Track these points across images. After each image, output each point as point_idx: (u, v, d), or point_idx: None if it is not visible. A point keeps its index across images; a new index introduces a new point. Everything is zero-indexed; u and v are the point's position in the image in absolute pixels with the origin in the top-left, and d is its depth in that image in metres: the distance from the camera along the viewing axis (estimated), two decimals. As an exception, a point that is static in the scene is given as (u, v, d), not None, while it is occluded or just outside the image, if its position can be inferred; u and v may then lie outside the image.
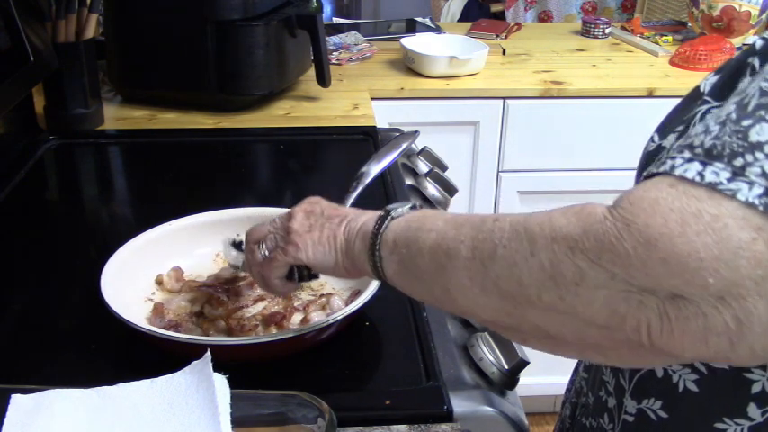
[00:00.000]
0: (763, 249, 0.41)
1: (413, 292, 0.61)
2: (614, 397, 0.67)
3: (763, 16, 1.99)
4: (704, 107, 0.57)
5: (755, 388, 0.57)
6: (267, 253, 0.71)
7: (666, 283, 0.42)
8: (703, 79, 0.60)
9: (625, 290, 0.44)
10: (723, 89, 0.56)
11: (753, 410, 0.58)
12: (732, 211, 0.41)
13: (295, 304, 0.84)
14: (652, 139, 0.64)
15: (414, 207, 0.63)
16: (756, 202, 0.41)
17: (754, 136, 0.43)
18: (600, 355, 0.49)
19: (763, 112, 0.44)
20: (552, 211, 0.48)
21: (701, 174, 0.43)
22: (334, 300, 0.83)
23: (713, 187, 0.42)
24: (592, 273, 0.44)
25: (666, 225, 0.42)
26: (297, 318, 0.82)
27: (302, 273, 0.71)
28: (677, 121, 0.61)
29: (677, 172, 0.44)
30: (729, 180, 0.42)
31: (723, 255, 0.41)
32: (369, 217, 0.65)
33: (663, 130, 0.63)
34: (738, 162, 0.43)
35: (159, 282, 0.89)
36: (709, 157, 0.44)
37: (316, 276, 0.72)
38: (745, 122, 0.44)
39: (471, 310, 0.54)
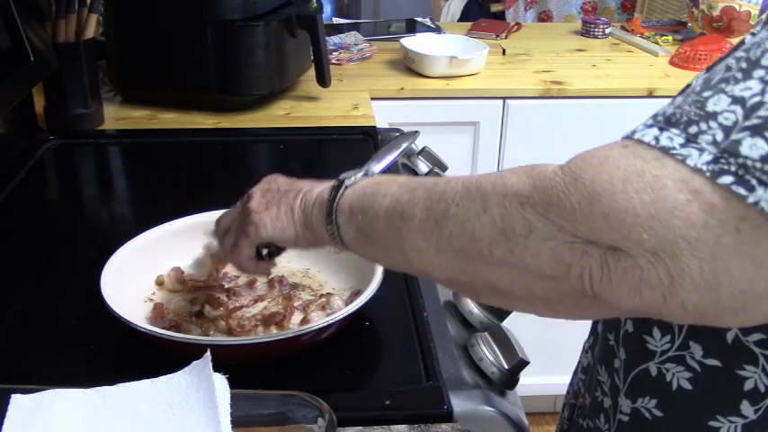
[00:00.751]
0: (697, 211, 0.42)
1: (371, 257, 0.64)
2: (609, 397, 0.68)
3: (763, 16, 1.99)
4: None
5: (748, 385, 0.57)
6: (233, 239, 0.73)
7: (606, 236, 0.44)
8: (695, 77, 0.61)
9: (570, 241, 0.46)
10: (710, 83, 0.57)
11: (746, 408, 0.58)
12: (673, 173, 0.43)
13: (295, 304, 0.84)
14: None
15: (366, 174, 0.64)
16: (704, 168, 0.42)
17: (710, 106, 0.45)
18: (548, 309, 0.51)
19: (723, 85, 0.45)
20: (504, 170, 0.51)
21: (656, 138, 0.45)
22: (334, 300, 0.84)
23: (666, 151, 0.44)
24: (540, 225, 0.46)
25: (610, 181, 0.44)
26: (297, 318, 0.82)
27: (271, 250, 0.73)
28: None
29: (636, 135, 0.46)
30: (682, 146, 0.44)
31: (659, 213, 0.42)
32: (324, 187, 0.66)
33: None
34: (693, 129, 0.44)
35: (160, 282, 0.89)
36: (667, 123, 0.45)
37: (282, 250, 0.74)
38: (706, 93, 0.46)
39: (427, 270, 0.55)
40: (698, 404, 0.60)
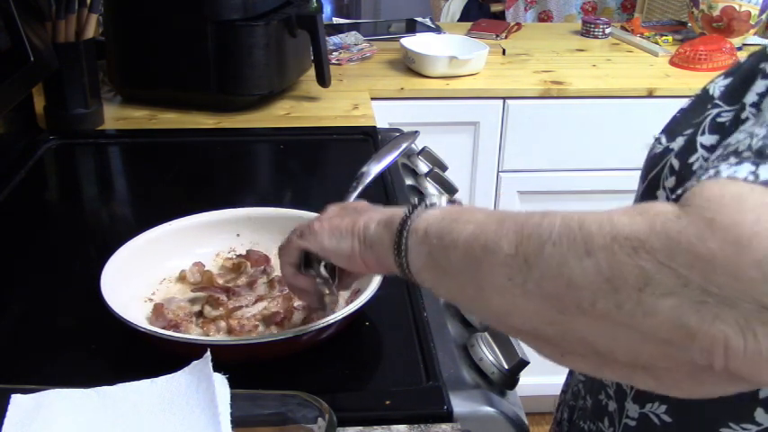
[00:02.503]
0: None
1: (442, 290, 0.55)
2: (615, 401, 0.67)
3: (764, 16, 1.99)
4: (715, 111, 0.56)
5: (763, 393, 0.56)
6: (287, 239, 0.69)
7: (757, 290, 0.36)
8: (711, 82, 0.60)
9: (699, 300, 0.38)
10: (734, 94, 0.55)
11: (760, 415, 0.57)
12: None
13: (295, 304, 0.84)
14: (659, 141, 0.63)
15: (452, 202, 0.58)
16: None
17: None
18: (652, 379, 0.43)
19: None
20: (611, 210, 0.43)
21: (754, 173, 0.39)
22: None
23: None
24: (659, 276, 0.39)
25: (759, 222, 0.37)
26: (297, 317, 0.82)
27: (317, 266, 0.67)
28: (685, 125, 0.60)
29: (725, 174, 0.40)
30: None
31: None
32: (398, 209, 0.59)
33: (670, 132, 0.62)
34: None
35: (183, 277, 0.89)
36: (760, 157, 0.40)
37: (332, 271, 0.68)
38: None
39: (508, 314, 0.47)
40: (710, 411, 0.59)
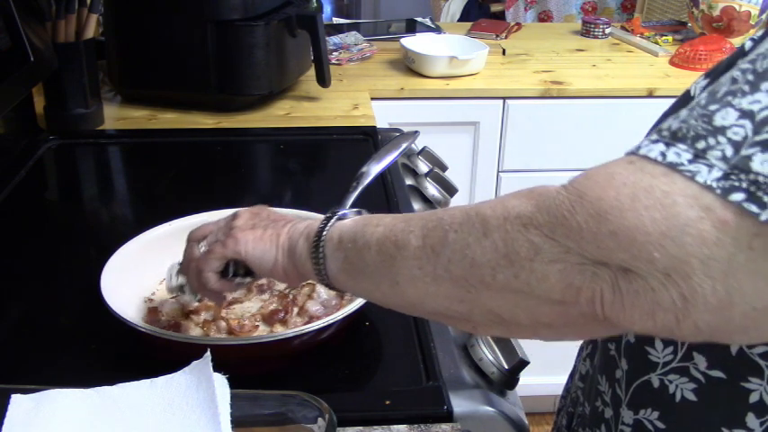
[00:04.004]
0: (709, 229, 0.40)
1: (358, 290, 0.61)
2: (611, 407, 0.67)
3: (764, 16, 1.99)
4: None
5: (753, 397, 0.57)
6: (206, 248, 0.70)
7: (616, 256, 0.42)
8: (693, 83, 0.60)
9: (579, 262, 0.44)
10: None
11: (751, 420, 0.57)
12: (683, 190, 0.41)
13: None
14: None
15: (359, 212, 0.63)
16: (714, 185, 0.41)
17: (718, 120, 0.43)
18: (553, 333, 0.49)
19: (730, 98, 0.44)
20: (503, 196, 0.49)
21: (663, 153, 0.43)
22: (318, 288, 0.84)
23: (673, 167, 0.42)
24: (546, 247, 0.44)
25: (617, 198, 0.42)
26: (295, 311, 0.82)
27: (237, 270, 0.69)
28: None
29: (642, 151, 0.44)
30: (690, 161, 0.42)
31: (670, 231, 0.41)
32: (315, 220, 0.64)
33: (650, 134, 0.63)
34: (701, 144, 0.43)
35: None
36: (673, 138, 0.44)
37: (251, 275, 0.70)
38: (712, 107, 0.44)
39: (421, 301, 0.53)
40: (702, 416, 0.60)
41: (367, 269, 0.56)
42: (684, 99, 0.60)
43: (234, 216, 0.70)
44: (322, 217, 0.63)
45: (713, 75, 0.57)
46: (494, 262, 0.47)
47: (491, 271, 0.47)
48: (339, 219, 0.61)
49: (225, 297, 0.78)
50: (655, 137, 0.45)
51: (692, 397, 0.60)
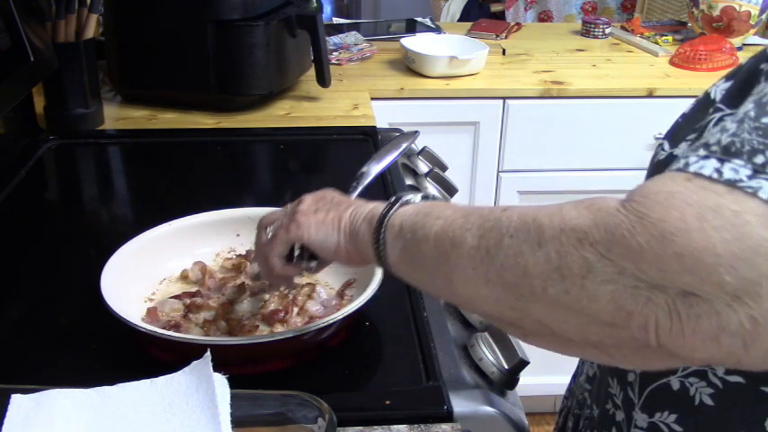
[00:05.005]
0: None
1: (415, 280, 0.59)
2: (622, 410, 0.66)
3: (764, 16, 1.99)
4: (717, 115, 0.56)
5: None
6: (271, 233, 0.71)
7: (680, 279, 0.40)
8: (713, 85, 0.59)
9: (633, 285, 0.42)
10: (736, 97, 0.55)
11: None
12: (754, 209, 0.40)
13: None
14: (662, 147, 0.62)
15: (426, 197, 0.62)
16: None
17: None
18: (604, 355, 0.47)
19: None
20: (563, 203, 0.47)
21: (718, 170, 0.42)
22: (318, 288, 0.84)
23: (732, 184, 0.41)
24: (599, 266, 0.43)
25: (683, 219, 0.40)
26: (295, 311, 0.82)
27: (302, 255, 0.70)
28: (688, 129, 0.60)
29: (692, 168, 0.42)
30: (750, 177, 0.41)
31: (742, 252, 0.39)
32: (378, 204, 0.64)
33: (673, 137, 0.62)
34: (759, 159, 0.41)
35: (185, 276, 0.89)
36: (726, 153, 0.42)
37: (315, 258, 0.71)
38: (765, 119, 0.43)
39: (473, 301, 0.52)
40: (720, 420, 0.59)
41: (424, 262, 0.55)
42: (705, 103, 0.59)
43: (299, 201, 0.70)
44: (387, 202, 0.62)
45: (736, 78, 0.57)
46: (545, 274, 0.45)
47: (542, 283, 0.45)
48: (403, 204, 0.60)
49: (294, 282, 0.77)
50: (703, 152, 0.43)
51: (709, 401, 0.59)
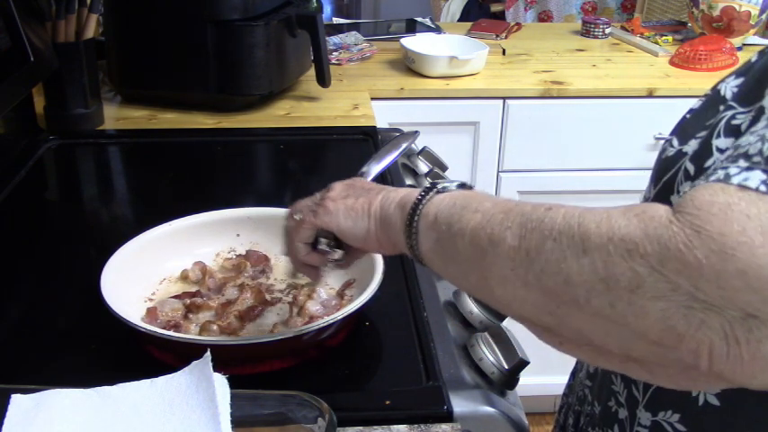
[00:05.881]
0: None
1: (447, 274, 0.56)
2: (626, 408, 0.66)
3: (764, 16, 1.99)
4: (729, 113, 0.55)
5: None
6: (299, 218, 0.68)
7: (741, 298, 0.38)
8: (721, 82, 0.59)
9: (686, 305, 0.39)
10: (749, 94, 0.54)
11: None
12: None
13: (268, 297, 0.84)
14: (670, 144, 0.61)
15: (463, 185, 0.59)
16: None
17: None
18: (645, 372, 0.45)
19: None
20: (611, 209, 0.44)
21: (765, 183, 0.40)
22: (318, 289, 0.84)
23: None
24: (651, 280, 0.40)
25: (745, 233, 0.38)
26: (277, 310, 0.81)
27: (329, 243, 0.67)
28: (698, 126, 0.59)
29: (735, 180, 0.41)
30: None
31: None
32: (411, 190, 0.60)
33: (682, 134, 0.61)
34: None
35: (185, 276, 0.89)
36: None
37: (340, 247, 0.68)
38: None
39: (509, 303, 0.49)
40: (726, 420, 0.59)
41: (458, 257, 0.52)
42: (715, 100, 0.58)
43: (328, 188, 0.68)
44: (421, 188, 0.59)
45: (747, 76, 0.56)
46: (590, 284, 0.43)
47: (585, 293, 0.43)
48: (439, 192, 0.57)
49: (320, 274, 0.74)
50: (744, 163, 0.42)
51: (714, 401, 0.59)
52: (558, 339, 0.48)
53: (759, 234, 0.38)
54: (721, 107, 0.57)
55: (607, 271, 0.42)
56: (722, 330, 0.39)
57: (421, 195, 0.57)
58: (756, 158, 0.41)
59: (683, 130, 0.61)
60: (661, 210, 0.42)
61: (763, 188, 0.40)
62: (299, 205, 0.71)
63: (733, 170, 0.41)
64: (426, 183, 0.59)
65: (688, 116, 0.62)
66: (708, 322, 0.39)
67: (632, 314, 0.41)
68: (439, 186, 0.58)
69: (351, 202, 0.64)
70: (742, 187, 0.40)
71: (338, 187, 0.67)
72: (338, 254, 0.68)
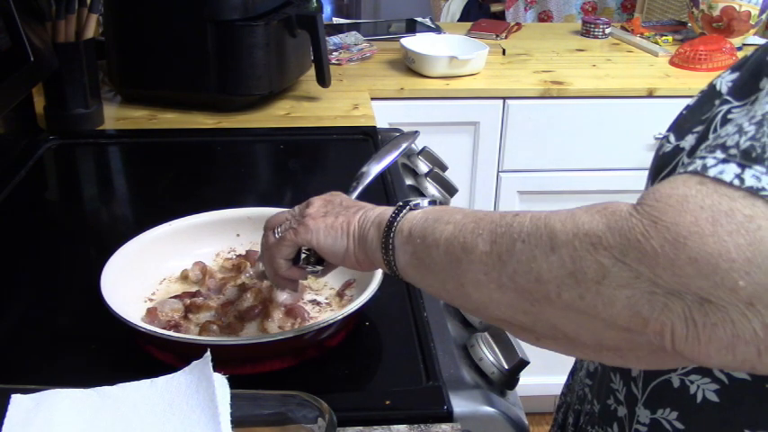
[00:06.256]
0: None
1: (425, 286, 0.59)
2: (625, 406, 0.66)
3: (764, 16, 1.99)
4: (725, 107, 0.56)
5: None
6: (279, 235, 0.70)
7: (694, 284, 0.40)
8: (717, 77, 0.59)
9: (650, 291, 0.42)
10: (744, 88, 0.55)
11: None
12: (766, 213, 0.39)
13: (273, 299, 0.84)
14: (667, 140, 0.62)
15: (434, 202, 0.61)
16: None
17: None
18: (618, 357, 0.47)
19: None
20: (575, 209, 0.47)
21: (739, 177, 0.41)
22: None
23: (754, 192, 0.40)
24: (615, 270, 0.43)
25: (696, 223, 0.40)
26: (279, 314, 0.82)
27: (309, 259, 0.70)
28: (694, 121, 0.59)
29: (711, 173, 0.42)
30: None
31: (756, 257, 0.39)
32: (386, 208, 0.63)
33: (678, 130, 0.61)
34: None
35: (185, 276, 0.89)
36: (746, 158, 0.42)
37: (321, 263, 0.70)
38: None
39: (485, 306, 0.52)
40: (724, 418, 0.59)
41: (434, 267, 0.55)
42: (710, 95, 0.59)
43: (307, 204, 0.69)
44: (395, 206, 0.62)
45: (743, 70, 0.56)
46: (559, 279, 0.45)
47: (556, 288, 0.45)
48: (411, 209, 0.60)
49: (299, 286, 0.76)
50: (721, 155, 0.43)
51: (714, 398, 0.59)
52: (535, 336, 0.51)
53: (709, 224, 0.40)
54: (717, 102, 0.57)
55: (575, 265, 0.44)
56: (683, 314, 0.41)
57: (395, 213, 0.60)
58: (733, 151, 0.43)
59: (680, 125, 0.61)
60: (622, 205, 0.44)
61: (736, 182, 0.41)
62: (274, 220, 0.73)
63: (710, 161, 0.43)
64: (399, 202, 0.62)
65: (684, 112, 0.63)
66: (670, 306, 0.42)
67: (601, 303, 0.44)
68: (411, 203, 0.61)
69: (330, 221, 0.66)
70: (716, 180, 0.42)
71: (317, 203, 0.69)
72: (319, 269, 0.71)
